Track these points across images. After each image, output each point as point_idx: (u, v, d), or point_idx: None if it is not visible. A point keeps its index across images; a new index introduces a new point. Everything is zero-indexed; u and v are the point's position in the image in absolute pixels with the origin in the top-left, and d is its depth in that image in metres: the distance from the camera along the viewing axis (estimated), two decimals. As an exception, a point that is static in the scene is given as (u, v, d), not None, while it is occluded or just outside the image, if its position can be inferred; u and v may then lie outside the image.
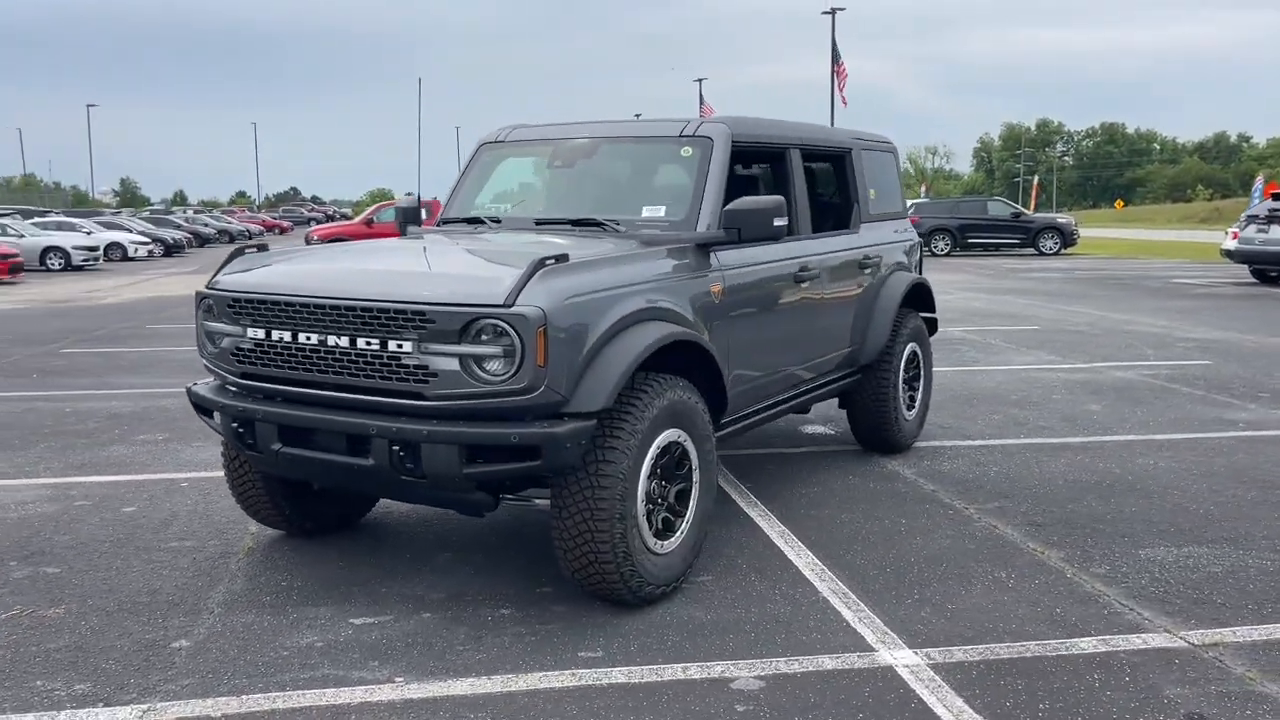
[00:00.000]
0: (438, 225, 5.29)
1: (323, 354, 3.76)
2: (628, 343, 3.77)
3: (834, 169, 6.08)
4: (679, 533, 4.06)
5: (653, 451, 3.86)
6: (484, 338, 3.52)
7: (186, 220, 47.12)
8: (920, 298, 6.57)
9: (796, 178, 5.32)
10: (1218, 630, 3.72)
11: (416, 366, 3.59)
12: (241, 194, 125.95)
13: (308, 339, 3.79)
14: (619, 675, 3.39)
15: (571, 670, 3.42)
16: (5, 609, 3.96)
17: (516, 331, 3.47)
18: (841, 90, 39.30)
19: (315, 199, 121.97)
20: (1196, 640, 3.63)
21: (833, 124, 18.12)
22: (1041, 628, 3.75)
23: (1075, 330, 12.42)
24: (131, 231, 35.56)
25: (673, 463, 4.04)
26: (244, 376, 4.01)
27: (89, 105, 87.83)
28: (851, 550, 4.58)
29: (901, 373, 6.15)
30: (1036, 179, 63.05)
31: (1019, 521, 4.99)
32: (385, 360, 3.64)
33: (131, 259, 33.03)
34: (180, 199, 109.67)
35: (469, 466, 3.57)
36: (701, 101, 53.00)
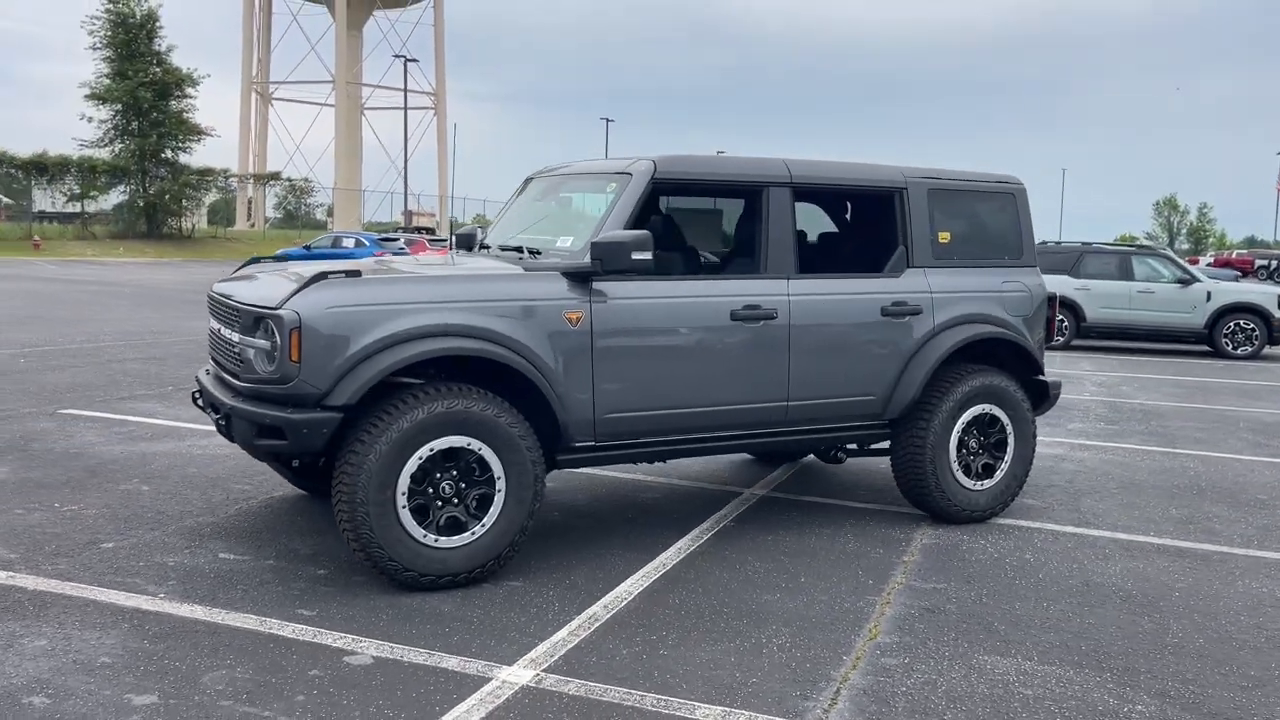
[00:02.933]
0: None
1: (222, 342, 4.78)
2: (397, 353, 4.27)
3: (868, 209, 5.73)
4: (469, 533, 4.42)
5: (423, 452, 4.31)
6: (261, 334, 4.29)
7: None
8: (1005, 356, 5.88)
9: (774, 216, 5.23)
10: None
11: (238, 355, 4.47)
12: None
13: (218, 329, 4.84)
14: (305, 632, 3.93)
15: (283, 620, 4.04)
16: (67, 505, 5.53)
17: (277, 330, 4.19)
18: None
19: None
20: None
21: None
22: None
23: None
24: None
25: (468, 467, 4.42)
26: (211, 359, 5.17)
27: (718, 150, 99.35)
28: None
29: (953, 434, 5.58)
30: None
31: (941, 612, 4.46)
32: (229, 348, 4.57)
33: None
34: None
35: (258, 439, 4.35)
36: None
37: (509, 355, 4.47)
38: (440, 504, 4.40)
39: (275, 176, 59.83)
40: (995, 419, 5.76)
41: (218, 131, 49.58)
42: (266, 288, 4.52)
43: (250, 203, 64.62)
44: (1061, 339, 16.78)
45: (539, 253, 5.06)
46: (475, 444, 4.41)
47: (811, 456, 7.05)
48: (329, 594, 4.34)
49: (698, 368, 4.98)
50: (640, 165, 5.01)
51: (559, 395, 4.62)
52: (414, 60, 56.92)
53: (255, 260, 5.58)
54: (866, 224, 5.99)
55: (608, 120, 72.67)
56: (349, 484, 4.21)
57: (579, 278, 4.73)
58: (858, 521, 5.73)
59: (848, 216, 6.49)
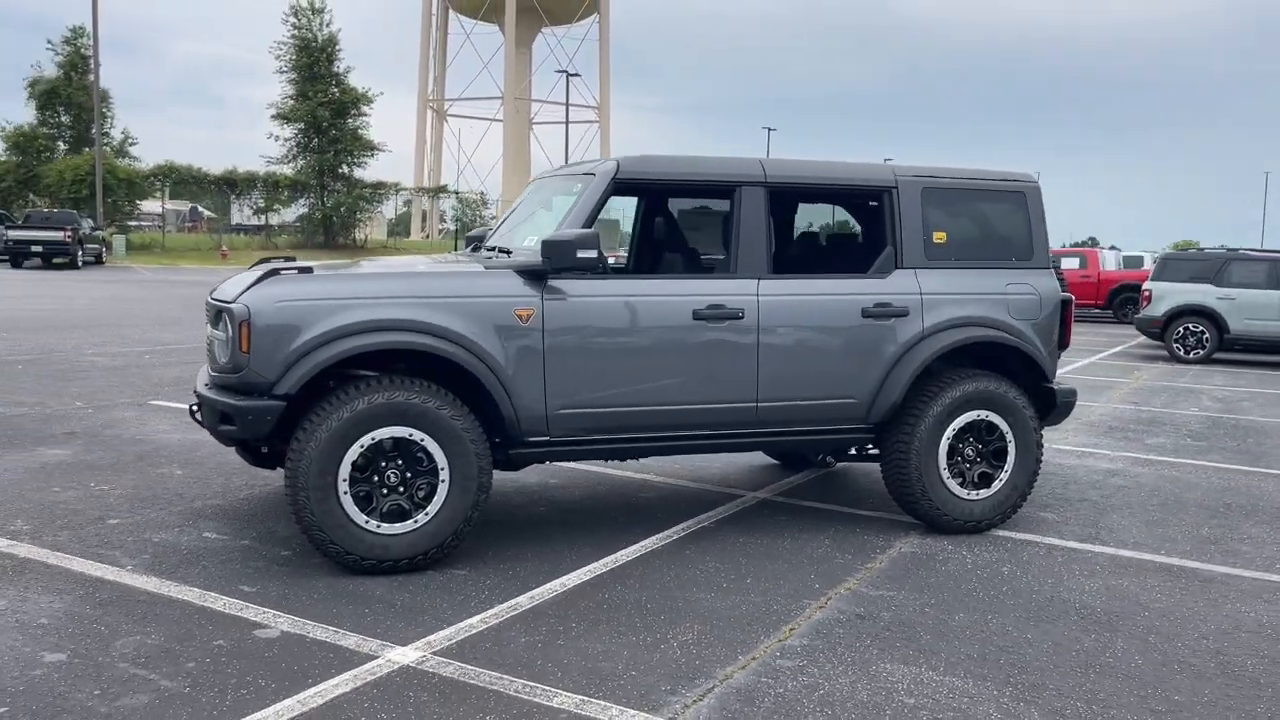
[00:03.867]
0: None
1: (209, 339, 5.13)
2: (338, 346, 4.49)
3: (859, 210, 5.61)
4: (413, 521, 4.60)
5: (365, 440, 4.51)
6: (221, 326, 4.59)
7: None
8: (1011, 362, 5.65)
9: (745, 216, 5.21)
10: None
11: (210, 347, 4.79)
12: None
13: (207, 328, 5.19)
14: (234, 606, 4.18)
15: (221, 594, 4.31)
16: (101, 486, 6.01)
17: (229, 322, 4.49)
18: None
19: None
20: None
21: None
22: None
23: None
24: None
25: (413, 457, 4.59)
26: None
27: (886, 159, 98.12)
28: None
29: (943, 440, 5.41)
30: None
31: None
32: (208, 341, 4.90)
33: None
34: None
35: (219, 425, 4.65)
36: None
37: (451, 349, 4.61)
38: (386, 492, 4.59)
39: (443, 190, 62.32)
40: (993, 426, 5.53)
41: (389, 147, 52.14)
42: (234, 284, 4.82)
43: (424, 215, 67.54)
44: (1201, 352, 15.74)
45: (510, 251, 5.21)
46: (418, 435, 4.57)
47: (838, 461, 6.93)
48: (279, 573, 4.59)
49: (657, 366, 5.00)
50: (604, 166, 5.10)
51: (509, 390, 4.74)
52: (576, 75, 58.26)
53: (265, 261, 5.92)
54: (859, 224, 5.87)
55: (769, 129, 72.45)
56: (292, 469, 4.45)
57: (533, 275, 4.84)
58: (846, 527, 5.61)
59: (843, 217, 6.37)
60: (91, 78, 41.11)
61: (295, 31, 47.92)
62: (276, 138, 48.65)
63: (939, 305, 5.46)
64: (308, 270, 4.65)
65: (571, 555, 4.98)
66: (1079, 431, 8.93)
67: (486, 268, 4.95)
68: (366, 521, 4.54)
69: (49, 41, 52.54)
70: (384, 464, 4.58)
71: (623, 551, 5.05)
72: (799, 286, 5.28)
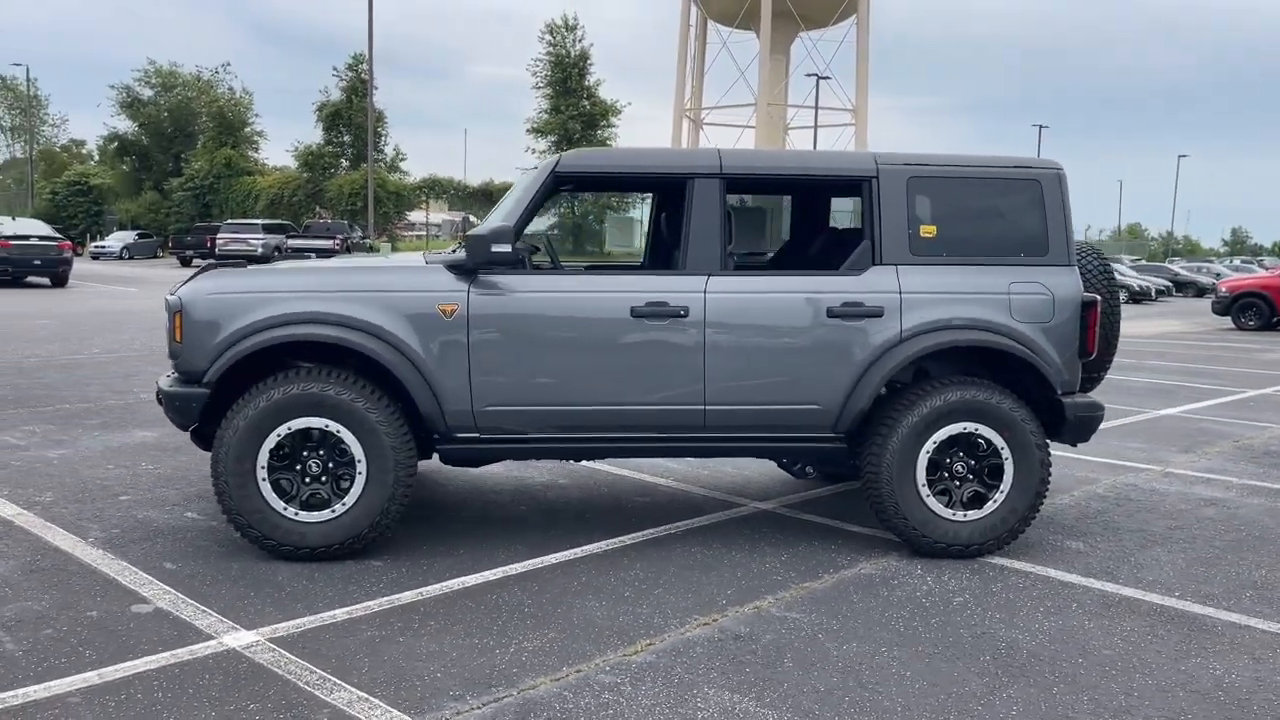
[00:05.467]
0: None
1: None
2: (258, 338, 4.65)
3: (830, 201, 5.16)
4: (330, 510, 4.69)
5: (281, 430, 4.64)
6: (168, 319, 4.87)
7: (1189, 269, 45.81)
8: (1019, 370, 5.05)
9: (697, 209, 4.95)
10: None
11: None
12: None
13: None
14: (138, 580, 4.44)
15: (141, 571, 4.58)
16: (147, 466, 6.52)
17: (168, 314, 4.76)
18: None
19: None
20: None
21: None
22: (363, 671, 3.56)
23: None
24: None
25: (332, 448, 4.69)
26: None
27: (1180, 156, 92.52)
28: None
29: (921, 454, 4.91)
30: None
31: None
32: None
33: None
34: (1240, 245, 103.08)
35: (165, 411, 4.93)
36: None
37: (362, 342, 4.65)
38: (308, 480, 4.71)
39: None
40: (988, 441, 4.96)
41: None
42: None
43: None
44: None
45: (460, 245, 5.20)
46: (334, 426, 4.66)
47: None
48: (211, 554, 4.80)
49: (592, 365, 4.84)
50: (547, 161, 5.00)
51: (434, 385, 4.74)
52: (826, 78, 57.41)
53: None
54: (836, 218, 5.42)
55: (1040, 127, 68.50)
56: (214, 455, 4.66)
57: (461, 270, 4.82)
58: (823, 543, 5.20)
59: (822, 210, 5.89)
60: (369, 100, 44.70)
61: (550, 49, 50.11)
62: (532, 150, 51.07)
63: (922, 305, 4.96)
64: (241, 264, 4.85)
65: (503, 554, 4.91)
66: (1222, 456, 7.84)
67: (426, 263, 4.97)
68: (284, 509, 4.67)
69: (334, 69, 58.10)
70: (306, 454, 4.70)
71: (557, 554, 4.91)
72: (754, 284, 4.95)
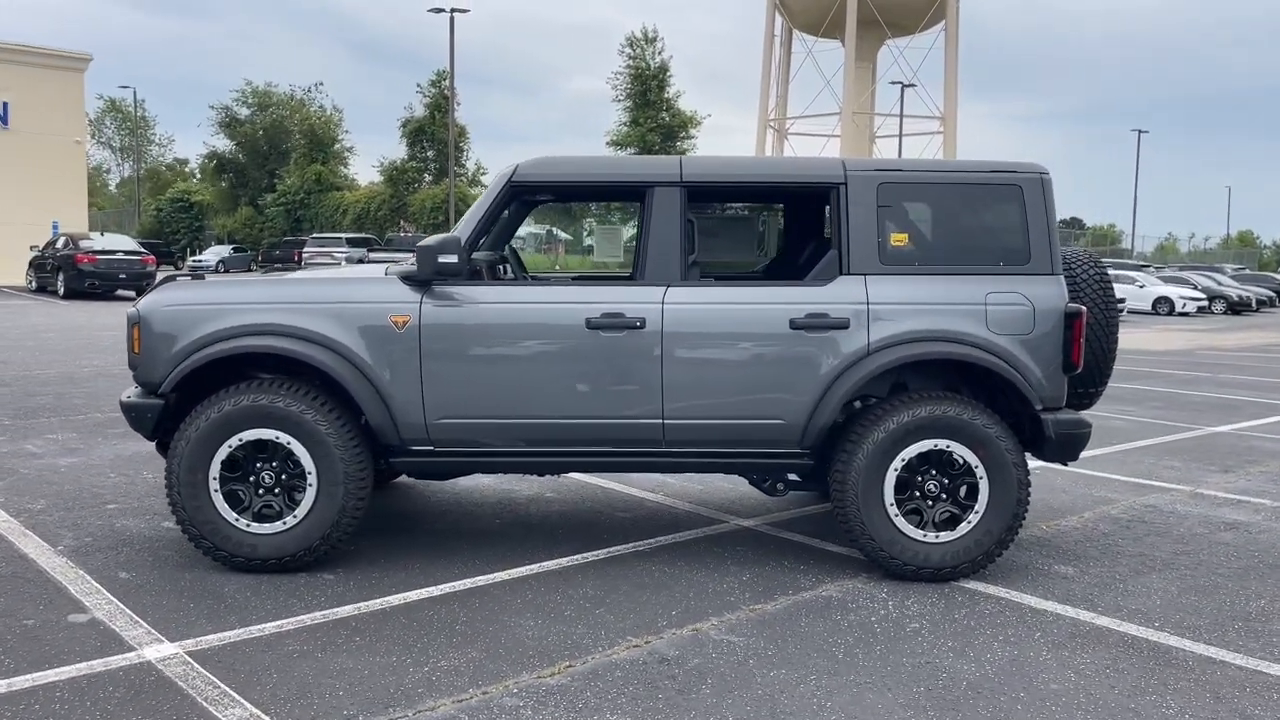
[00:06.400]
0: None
1: None
2: (211, 349, 4.67)
3: (804, 210, 4.98)
4: (281, 522, 4.68)
5: (233, 441, 4.65)
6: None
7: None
8: (1001, 384, 4.81)
9: (656, 218, 4.83)
10: None
11: (135, 347, 5.15)
12: None
13: None
14: (87, 589, 4.48)
15: (95, 579, 4.63)
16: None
17: (127, 325, 4.82)
18: None
19: None
20: None
21: None
22: (265, 688, 3.51)
23: None
24: (1189, 286, 35.26)
25: (280, 460, 4.69)
26: None
27: None
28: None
29: (889, 471, 4.69)
30: None
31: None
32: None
33: (1181, 314, 32.96)
34: None
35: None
36: None
37: (317, 354, 4.64)
38: (261, 492, 4.71)
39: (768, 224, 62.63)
40: (962, 459, 4.73)
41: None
42: None
43: (762, 233, 68.23)
44: None
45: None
46: (284, 438, 4.65)
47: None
48: (167, 563, 4.83)
49: (546, 377, 4.74)
50: (504, 170, 4.93)
51: (385, 397, 4.70)
52: (911, 85, 56.50)
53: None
54: (803, 226, 5.23)
55: (1140, 132, 66.37)
56: (168, 465, 4.69)
57: (415, 281, 4.78)
58: (793, 564, 5.01)
59: (805, 220, 5.69)
60: (450, 116, 45.49)
61: (630, 61, 50.29)
62: (612, 163, 51.17)
63: (891, 316, 4.74)
64: (200, 275, 4.88)
65: (459, 568, 4.84)
66: (1264, 476, 7.39)
67: (386, 274, 4.95)
68: (236, 520, 4.68)
69: (418, 85, 59.20)
70: (259, 465, 4.70)
71: (512, 570, 4.83)
72: (714, 294, 4.80)
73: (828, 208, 5.06)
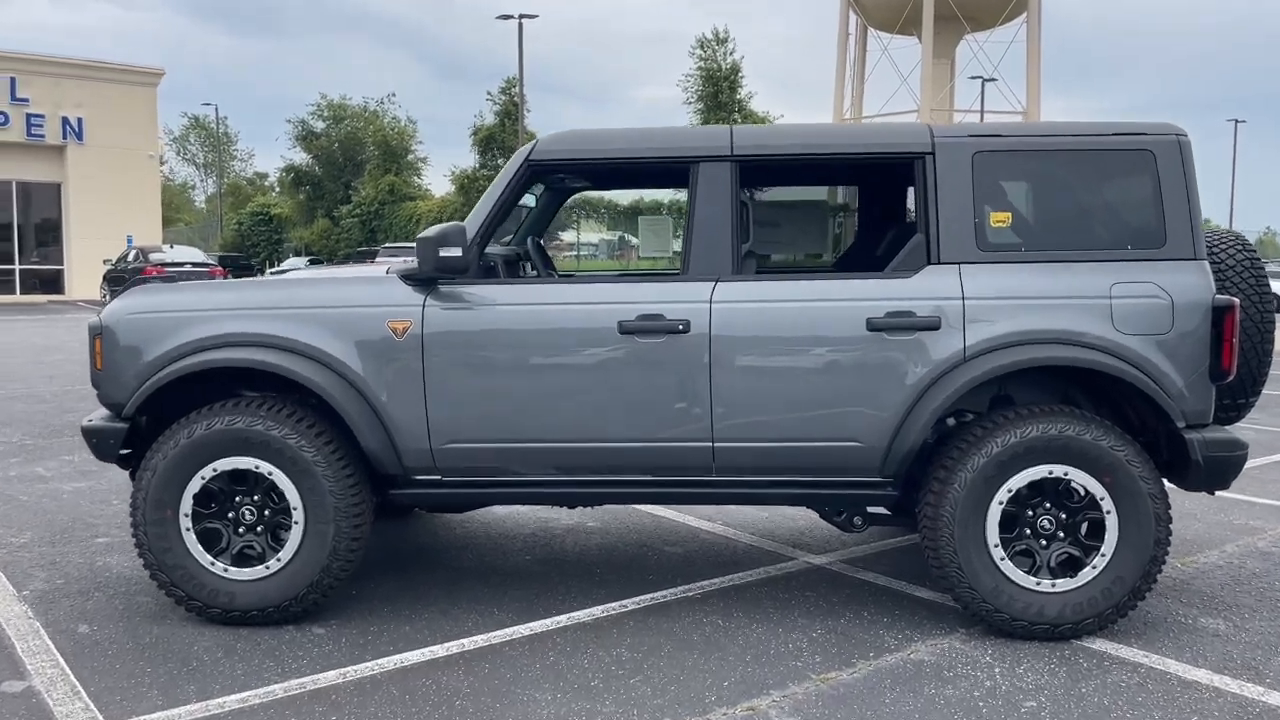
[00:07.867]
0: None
1: None
2: (178, 365, 3.98)
3: (876, 186, 4.12)
4: (264, 567, 3.97)
5: (206, 472, 3.95)
6: (95, 341, 4.26)
7: None
8: (1129, 396, 3.89)
9: (702, 200, 4.03)
10: None
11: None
12: None
13: None
14: (37, 646, 3.83)
15: (52, 628, 3.97)
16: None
17: (90, 337, 4.16)
18: None
19: None
20: None
21: None
22: None
23: None
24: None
25: (263, 493, 3.98)
26: None
27: None
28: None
29: (992, 505, 3.82)
30: None
31: None
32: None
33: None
34: None
35: (94, 448, 4.32)
36: None
37: (302, 368, 3.92)
38: (242, 531, 4.01)
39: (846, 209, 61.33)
40: (1084, 490, 3.82)
41: (793, 168, 52.26)
42: None
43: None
44: None
45: None
46: (265, 467, 3.94)
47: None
48: (138, 614, 4.15)
49: (572, 393, 3.96)
50: (522, 148, 4.17)
51: (384, 417, 3.97)
52: (991, 80, 54.72)
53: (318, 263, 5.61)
54: (882, 207, 4.36)
55: (1237, 121, 63.53)
56: (132, 501, 4.01)
57: (418, 281, 4.04)
58: (874, 615, 4.15)
59: (886, 201, 4.80)
60: (520, 124, 45.20)
61: (701, 63, 49.51)
62: (682, 166, 50.44)
63: (992, 314, 3.86)
64: (171, 279, 4.20)
65: (471, 621, 4.08)
66: None
67: (387, 273, 4.21)
68: (212, 564, 3.98)
69: (488, 93, 59.10)
70: (239, 499, 4.00)
71: (533, 624, 4.05)
72: (772, 291, 3.97)
73: (911, 184, 4.18)
